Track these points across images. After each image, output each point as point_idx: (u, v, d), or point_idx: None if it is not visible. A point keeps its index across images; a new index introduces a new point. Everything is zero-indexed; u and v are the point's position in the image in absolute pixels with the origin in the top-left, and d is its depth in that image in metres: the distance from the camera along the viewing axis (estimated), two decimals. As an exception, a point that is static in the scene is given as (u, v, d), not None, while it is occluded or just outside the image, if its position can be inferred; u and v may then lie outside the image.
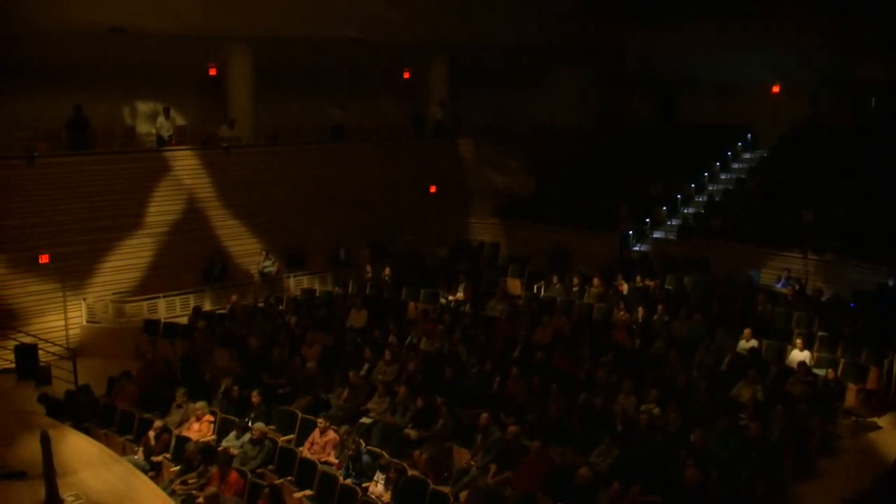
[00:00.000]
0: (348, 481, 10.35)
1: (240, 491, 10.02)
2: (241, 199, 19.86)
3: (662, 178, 24.19)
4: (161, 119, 19.39)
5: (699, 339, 14.77)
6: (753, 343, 14.34)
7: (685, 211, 23.41)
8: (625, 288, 18.27)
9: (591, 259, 20.72)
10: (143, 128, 20.47)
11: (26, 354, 15.32)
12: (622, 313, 16.35)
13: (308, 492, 10.50)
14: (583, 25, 25.74)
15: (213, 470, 10.35)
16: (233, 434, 11.60)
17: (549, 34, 24.99)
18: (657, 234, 22.61)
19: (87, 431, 11.49)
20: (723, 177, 24.93)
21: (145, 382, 13.97)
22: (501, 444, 11.06)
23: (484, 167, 25.20)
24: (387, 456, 10.76)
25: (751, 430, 11.20)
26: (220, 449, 11.19)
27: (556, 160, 26.29)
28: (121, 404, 13.01)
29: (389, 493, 10.16)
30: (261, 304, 18.22)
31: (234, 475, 10.17)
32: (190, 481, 10.68)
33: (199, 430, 12.02)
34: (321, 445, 11.34)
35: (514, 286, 20.03)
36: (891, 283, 16.85)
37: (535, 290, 19.42)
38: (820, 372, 13.44)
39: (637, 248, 22.12)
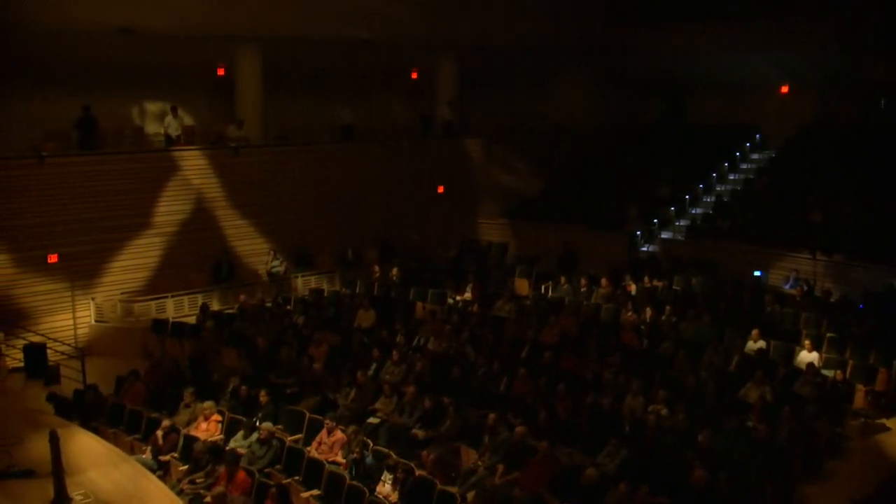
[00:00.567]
0: (355, 481, 10.36)
1: (247, 490, 10.04)
2: (250, 198, 19.87)
3: (670, 178, 24.16)
4: (169, 118, 19.40)
5: (707, 339, 14.72)
6: (762, 344, 14.28)
7: (693, 211, 23.33)
8: (633, 288, 18.24)
9: (599, 259, 20.70)
10: (152, 128, 20.58)
11: (35, 354, 15.40)
12: (630, 314, 16.33)
13: (315, 492, 10.50)
14: (591, 26, 25.68)
15: (221, 469, 10.39)
16: (240, 434, 11.62)
17: (557, 34, 24.94)
18: (665, 235, 22.56)
19: (95, 430, 11.54)
20: (731, 177, 24.83)
21: (153, 382, 13.98)
22: (509, 444, 11.05)
23: (492, 167, 25.20)
24: (394, 456, 10.75)
25: (759, 432, 11.17)
26: (227, 448, 11.21)
27: (565, 160, 26.31)
28: (129, 403, 13.03)
29: (397, 493, 10.16)
30: (269, 304, 18.25)
31: (241, 475, 10.18)
32: (198, 481, 10.70)
33: (207, 429, 12.06)
34: (329, 445, 11.35)
35: (522, 286, 20.02)
36: (900, 284, 16.78)
37: (542, 291, 19.39)
38: (828, 373, 13.41)
39: (645, 249, 22.09)
